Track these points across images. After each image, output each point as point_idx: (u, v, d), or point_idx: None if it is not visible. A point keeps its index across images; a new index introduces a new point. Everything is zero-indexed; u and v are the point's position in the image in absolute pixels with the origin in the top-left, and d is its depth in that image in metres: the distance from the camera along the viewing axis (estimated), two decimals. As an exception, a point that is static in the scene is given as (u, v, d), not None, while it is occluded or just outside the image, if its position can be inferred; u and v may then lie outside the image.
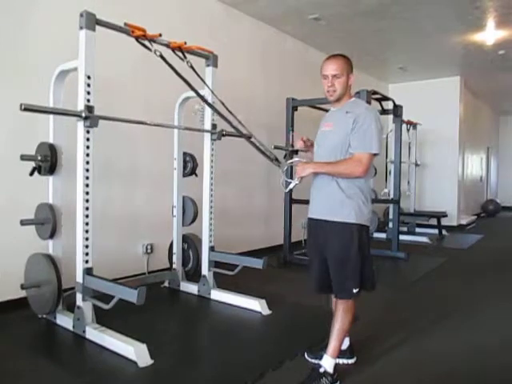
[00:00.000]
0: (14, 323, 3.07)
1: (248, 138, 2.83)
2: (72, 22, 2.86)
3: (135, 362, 2.43)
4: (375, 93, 5.16)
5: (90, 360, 2.58)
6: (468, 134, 9.81)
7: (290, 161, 2.44)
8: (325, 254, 2.29)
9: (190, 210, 4.03)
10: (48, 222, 3.04)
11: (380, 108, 5.84)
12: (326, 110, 2.39)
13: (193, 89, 3.04)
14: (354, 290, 2.21)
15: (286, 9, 5.35)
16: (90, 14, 2.73)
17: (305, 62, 6.65)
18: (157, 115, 3.86)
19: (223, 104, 2.99)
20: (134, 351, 2.46)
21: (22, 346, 2.70)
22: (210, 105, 3.28)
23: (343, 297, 2.27)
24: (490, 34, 6.15)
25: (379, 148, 2.19)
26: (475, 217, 10.49)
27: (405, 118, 6.50)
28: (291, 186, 2.33)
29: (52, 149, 3.03)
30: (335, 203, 2.23)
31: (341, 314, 2.27)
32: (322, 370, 2.21)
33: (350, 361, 2.51)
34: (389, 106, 5.99)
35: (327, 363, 2.23)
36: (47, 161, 3.02)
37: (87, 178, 2.80)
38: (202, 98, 3.19)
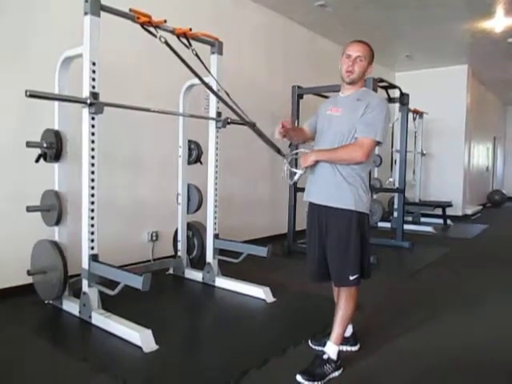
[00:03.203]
0: (21, 309, 3.10)
1: (253, 126, 2.82)
2: (77, 8, 2.84)
3: (140, 348, 2.45)
4: (382, 81, 5.11)
5: (95, 345, 2.61)
6: (474, 124, 9.73)
7: (295, 151, 2.42)
8: (324, 240, 2.29)
9: (195, 198, 4.04)
10: (54, 208, 3.05)
11: (386, 96, 5.79)
12: (322, 96, 2.37)
13: (198, 76, 3.02)
14: (351, 277, 2.21)
15: (292, -5, 5.29)
16: (94, -1, 2.71)
17: (310, 49, 6.59)
18: (162, 102, 3.84)
19: (227, 94, 2.97)
20: (140, 337, 2.48)
21: (28, 331, 2.73)
22: (214, 93, 3.26)
23: (341, 284, 2.27)
24: (498, 22, 6.07)
25: (383, 137, 2.18)
26: (480, 207, 10.45)
27: (411, 106, 6.45)
28: (296, 177, 2.32)
29: (57, 136, 3.04)
30: (335, 190, 2.23)
31: (344, 302, 2.28)
32: (325, 356, 2.23)
33: (354, 348, 2.52)
34: (395, 94, 5.94)
35: (331, 350, 2.24)
36: (52, 148, 3.02)
37: (92, 164, 2.80)
38: (207, 85, 3.17)
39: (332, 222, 2.25)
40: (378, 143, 2.20)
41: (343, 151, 2.18)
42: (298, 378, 2.15)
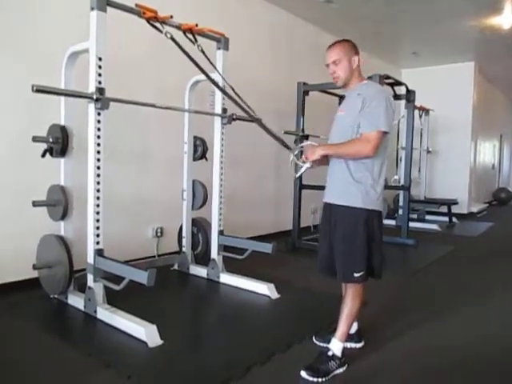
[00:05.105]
0: (27, 303, 3.12)
1: (259, 121, 2.82)
2: (83, 3, 2.84)
3: (145, 343, 2.46)
4: (388, 77, 5.08)
5: (100, 339, 2.62)
6: (481, 121, 9.65)
7: (301, 144, 2.42)
8: (332, 237, 2.29)
9: (200, 194, 4.04)
10: (59, 203, 3.07)
11: (392, 93, 5.76)
12: (338, 95, 2.39)
13: (204, 72, 3.02)
14: (356, 274, 2.20)
15: (298, -9, 5.26)
16: (100, -6, 2.71)
17: (316, 45, 6.54)
18: (167, 99, 3.84)
19: (233, 89, 2.96)
20: (144, 332, 2.49)
21: (33, 325, 2.74)
22: (220, 89, 3.25)
23: (345, 280, 2.28)
24: (506, 18, 6.00)
25: (388, 126, 2.13)
26: (486, 205, 10.40)
27: (417, 103, 6.41)
28: (302, 170, 2.31)
29: (63, 131, 3.05)
30: (343, 187, 2.24)
31: (350, 299, 2.28)
32: (330, 353, 2.23)
33: (358, 345, 2.52)
34: (401, 91, 5.90)
35: (335, 347, 2.24)
36: (59, 143, 3.04)
37: (98, 160, 2.81)
38: (213, 81, 3.17)
39: (338, 219, 2.26)
40: (385, 133, 2.15)
41: (350, 145, 2.16)
42: (303, 373, 2.16)
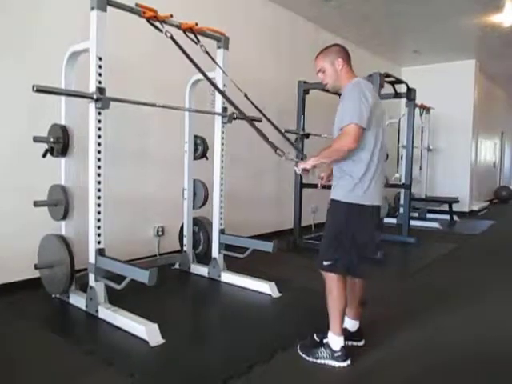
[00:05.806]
0: (28, 302, 3.13)
1: (251, 121, 2.85)
2: (83, 3, 2.84)
3: (147, 341, 2.47)
4: (388, 76, 5.07)
5: (102, 339, 2.63)
6: (482, 119, 9.64)
7: (291, 157, 2.53)
8: None
9: (201, 193, 4.05)
10: (61, 203, 3.07)
11: (393, 91, 5.75)
12: (338, 94, 2.41)
13: (201, 72, 3.02)
14: (325, 263, 2.30)
15: (299, -11, 5.25)
16: (101, -6, 2.71)
17: (316, 44, 6.51)
18: (168, 98, 3.84)
19: (239, 88, 2.96)
20: (146, 330, 2.50)
21: (35, 325, 2.75)
22: (217, 88, 3.25)
23: (318, 268, 2.36)
24: (507, 16, 5.99)
25: (360, 118, 2.13)
26: (487, 203, 10.39)
27: (418, 101, 6.40)
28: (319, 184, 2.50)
29: (64, 130, 3.05)
30: (335, 183, 2.35)
31: (326, 292, 2.36)
32: (324, 340, 2.35)
33: (359, 343, 2.54)
34: (402, 89, 5.89)
35: (330, 337, 2.33)
36: (59, 142, 3.04)
37: (99, 159, 2.81)
38: (211, 81, 3.17)
39: (328, 212, 2.38)
40: (361, 127, 2.14)
41: (333, 145, 2.22)
42: (298, 347, 2.41)
